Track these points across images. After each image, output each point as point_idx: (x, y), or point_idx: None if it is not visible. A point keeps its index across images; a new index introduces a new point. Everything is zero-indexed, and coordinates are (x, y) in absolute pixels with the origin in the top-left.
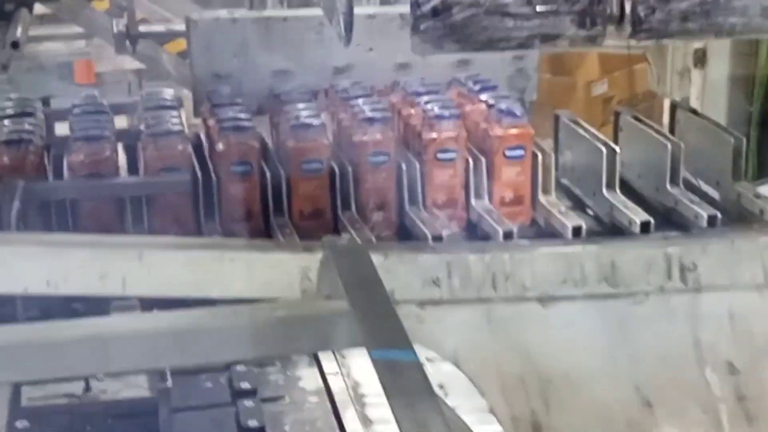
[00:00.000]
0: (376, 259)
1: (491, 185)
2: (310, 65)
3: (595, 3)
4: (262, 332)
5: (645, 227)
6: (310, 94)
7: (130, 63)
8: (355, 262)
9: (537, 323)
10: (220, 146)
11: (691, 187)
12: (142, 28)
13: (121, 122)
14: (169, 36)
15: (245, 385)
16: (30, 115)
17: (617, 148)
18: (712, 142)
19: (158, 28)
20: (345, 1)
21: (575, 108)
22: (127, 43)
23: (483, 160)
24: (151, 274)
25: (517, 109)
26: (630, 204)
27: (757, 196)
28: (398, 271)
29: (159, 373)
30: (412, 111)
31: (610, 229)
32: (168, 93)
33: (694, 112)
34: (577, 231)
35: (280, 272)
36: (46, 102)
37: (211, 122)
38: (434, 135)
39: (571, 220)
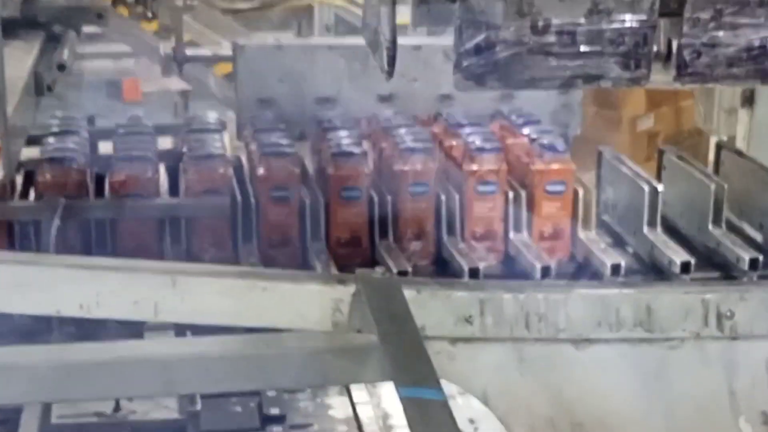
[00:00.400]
0: (409, 293)
1: (531, 219)
2: (353, 93)
3: (639, 45)
4: (291, 363)
5: (685, 268)
6: (352, 122)
7: (176, 83)
8: (387, 296)
9: (570, 365)
10: (260, 170)
11: (734, 229)
12: (188, 52)
13: (165, 143)
14: (216, 60)
15: (275, 411)
16: (74, 133)
17: (660, 187)
18: (756, 183)
19: (205, 52)
20: (389, 35)
21: (620, 142)
22: (174, 65)
23: (523, 193)
24: (184, 301)
25: (559, 144)
26: (671, 243)
27: (735, 243)
28: (431, 307)
29: (189, 395)
30: (454, 142)
31: (650, 268)
32: (212, 116)
33: (739, 152)
34: (616, 269)
35: (312, 304)
36: (91, 121)
37: (253, 146)
38: (475, 167)
39: (610, 258)
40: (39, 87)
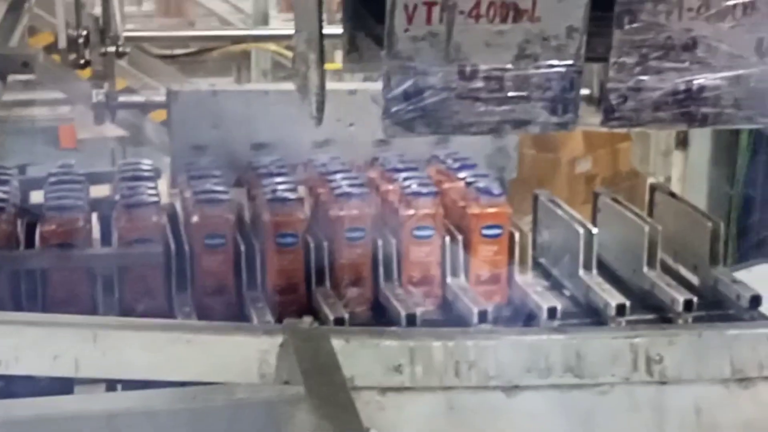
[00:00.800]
0: (337, 343)
1: (468, 263)
2: (289, 139)
3: (566, 89)
4: (214, 416)
5: (621, 310)
6: (288, 168)
7: (113, 130)
8: (314, 346)
9: (501, 413)
10: (194, 218)
11: (669, 271)
12: (121, 99)
13: (100, 191)
14: (150, 106)
15: None
16: (4, 183)
17: (594, 230)
18: (690, 225)
19: (138, 98)
20: (317, 81)
21: (559, 185)
22: (107, 112)
23: (460, 238)
24: (106, 356)
25: (495, 188)
26: (606, 286)
27: (734, 281)
28: (360, 356)
29: None
30: (390, 187)
31: (587, 311)
32: (146, 163)
33: (672, 194)
34: (552, 312)
35: (238, 356)
36: (22, 170)
37: (188, 193)
38: (411, 211)
39: (546, 301)
40: None
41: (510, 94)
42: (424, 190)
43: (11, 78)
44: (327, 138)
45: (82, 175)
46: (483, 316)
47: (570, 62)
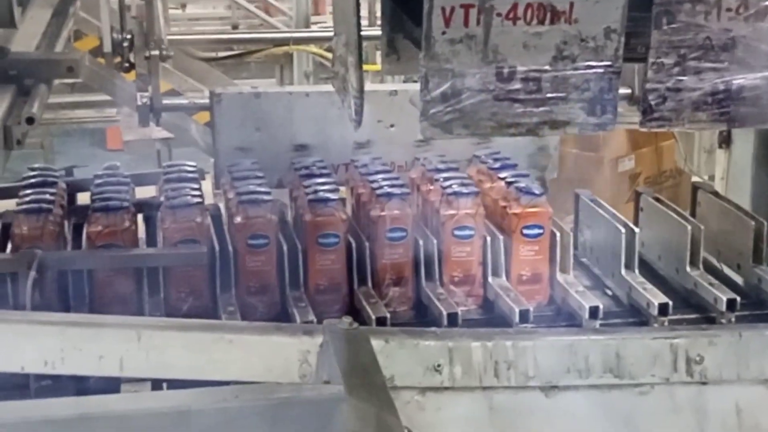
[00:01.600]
0: (377, 344)
1: (509, 263)
2: (330, 140)
3: (605, 90)
4: (255, 416)
5: (663, 310)
6: (329, 169)
7: (158, 132)
8: (354, 347)
9: (540, 413)
10: (238, 219)
11: (712, 270)
12: (165, 101)
13: (145, 192)
14: (194, 108)
15: None
16: (52, 185)
17: (636, 229)
18: (733, 224)
19: (182, 101)
20: (356, 83)
21: (601, 184)
22: (151, 115)
23: (501, 237)
24: (149, 356)
25: (536, 188)
26: (648, 286)
27: None
28: (399, 357)
29: None
30: (431, 187)
31: (629, 311)
32: (190, 164)
33: (715, 193)
34: (594, 312)
35: (279, 356)
36: (69, 172)
37: (231, 194)
38: (452, 212)
39: (588, 301)
40: (8, 141)
41: (548, 95)
42: (465, 190)
43: (58, 81)
44: (368, 139)
45: (127, 177)
46: (524, 316)
47: (608, 63)
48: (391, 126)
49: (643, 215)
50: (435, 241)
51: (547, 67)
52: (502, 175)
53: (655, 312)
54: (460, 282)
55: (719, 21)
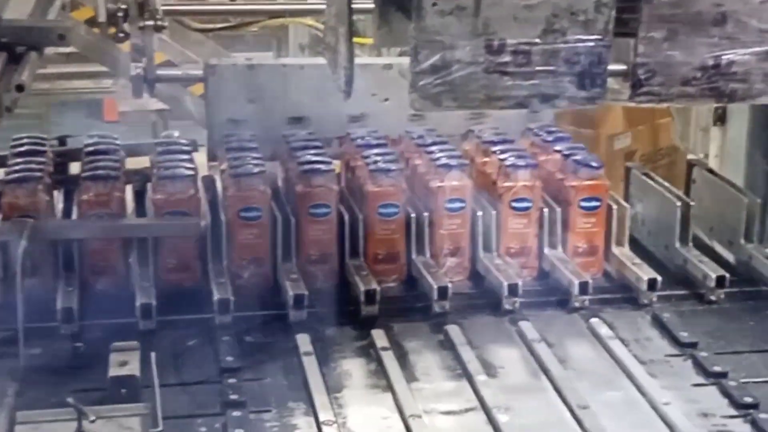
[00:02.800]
0: None
1: (565, 235)
2: (325, 113)
3: (594, 64)
4: None
5: (651, 285)
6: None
7: (154, 103)
8: None
9: None
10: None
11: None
12: (159, 72)
13: (137, 163)
14: (188, 80)
15: (240, 431)
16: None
17: (692, 202)
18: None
19: (175, 72)
20: (346, 54)
21: None
22: (145, 86)
23: (558, 210)
24: None
25: (594, 161)
26: (705, 259)
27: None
28: None
29: (151, 417)
30: (486, 159)
31: (682, 283)
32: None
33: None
34: (652, 284)
35: None
36: (62, 141)
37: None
38: (510, 183)
39: (646, 273)
40: None
41: (538, 68)
42: (522, 162)
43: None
44: (362, 112)
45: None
46: (584, 288)
47: (598, 37)
48: (386, 100)
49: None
50: (493, 213)
51: (537, 40)
52: (558, 147)
53: (713, 284)
54: (516, 253)
55: None
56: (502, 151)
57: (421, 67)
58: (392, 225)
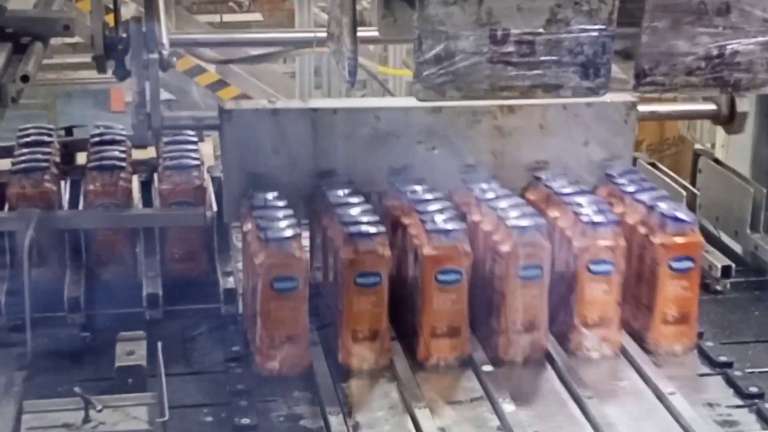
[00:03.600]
0: None
1: (651, 301)
2: (362, 165)
3: (598, 54)
4: None
5: None
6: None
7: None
8: None
9: None
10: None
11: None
12: (167, 114)
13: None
14: (200, 127)
15: (245, 421)
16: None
17: (765, 190)
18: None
19: (185, 117)
20: (350, 45)
21: None
22: (149, 133)
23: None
24: None
25: (685, 213)
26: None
27: None
28: None
29: (158, 406)
30: (557, 213)
31: (753, 270)
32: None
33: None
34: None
35: None
36: (69, 131)
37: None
38: (588, 243)
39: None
40: (3, 98)
41: (541, 58)
42: (603, 217)
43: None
44: (406, 163)
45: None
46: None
47: (602, 27)
48: (433, 148)
49: None
50: (566, 277)
51: (540, 30)
52: (641, 197)
53: (719, 274)
54: (595, 325)
55: None
56: (578, 204)
57: (424, 58)
58: (453, 294)
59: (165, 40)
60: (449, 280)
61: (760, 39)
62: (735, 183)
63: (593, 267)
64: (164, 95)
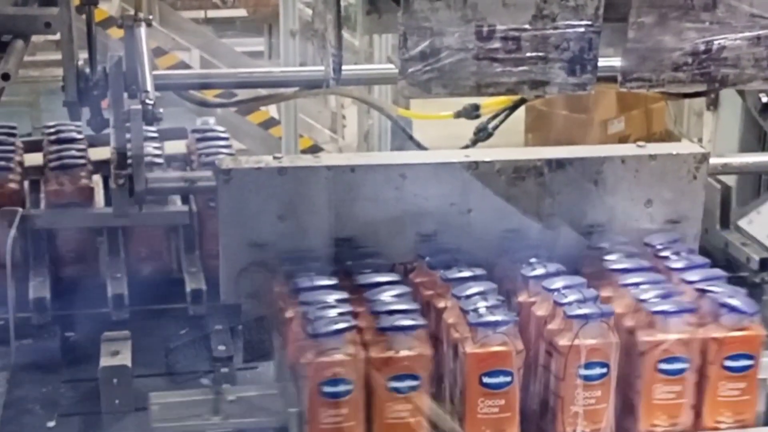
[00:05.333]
0: None
1: (701, 405)
2: (385, 231)
3: (584, 50)
4: None
5: (764, 264)
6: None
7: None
8: None
9: None
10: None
11: None
12: (151, 176)
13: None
14: (191, 191)
15: None
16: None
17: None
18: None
19: (173, 180)
20: (335, 41)
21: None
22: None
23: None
24: None
25: (745, 302)
26: (747, 241)
27: (744, 244)
28: None
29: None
30: (614, 293)
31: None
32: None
33: None
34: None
35: None
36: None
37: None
38: (658, 337)
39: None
40: None
41: (528, 54)
42: (675, 306)
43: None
44: (436, 229)
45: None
46: None
47: (588, 22)
48: (469, 211)
49: None
50: (635, 379)
51: (526, 26)
52: (691, 278)
53: (756, 267)
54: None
55: None
56: (640, 286)
57: (410, 54)
58: (501, 400)
59: (149, 86)
60: (497, 383)
61: (747, 34)
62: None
63: (663, 365)
64: None
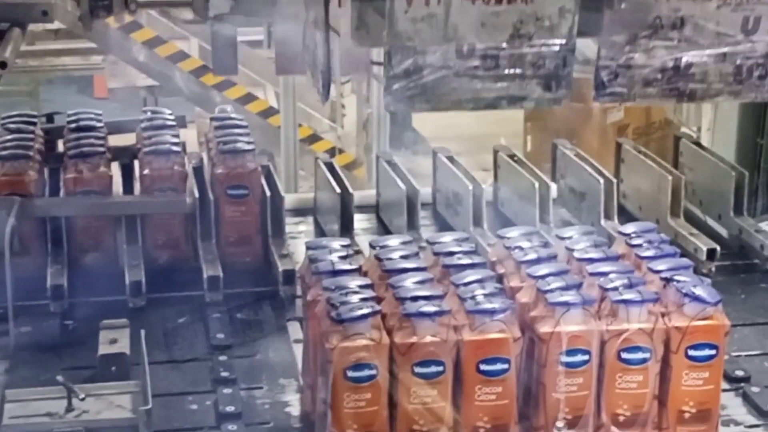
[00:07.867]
0: None
1: (665, 394)
2: None
3: (559, 67)
4: None
5: (711, 254)
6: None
7: (143, 80)
8: None
9: None
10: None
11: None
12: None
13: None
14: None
15: (230, 409)
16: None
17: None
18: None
19: None
20: (323, 59)
21: (590, 134)
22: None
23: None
24: None
25: (708, 291)
26: (695, 231)
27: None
28: None
29: (142, 394)
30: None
31: None
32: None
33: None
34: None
35: None
36: (50, 118)
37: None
38: (620, 326)
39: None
40: None
41: (506, 71)
42: (638, 295)
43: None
44: None
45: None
46: None
47: (563, 41)
48: None
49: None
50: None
51: (504, 45)
52: (658, 267)
53: (704, 257)
54: (627, 422)
55: (669, 1)
56: (607, 275)
57: (394, 72)
58: (499, 387)
59: None
60: (495, 371)
61: (713, 51)
62: (716, 166)
63: (625, 355)
64: (148, 81)
